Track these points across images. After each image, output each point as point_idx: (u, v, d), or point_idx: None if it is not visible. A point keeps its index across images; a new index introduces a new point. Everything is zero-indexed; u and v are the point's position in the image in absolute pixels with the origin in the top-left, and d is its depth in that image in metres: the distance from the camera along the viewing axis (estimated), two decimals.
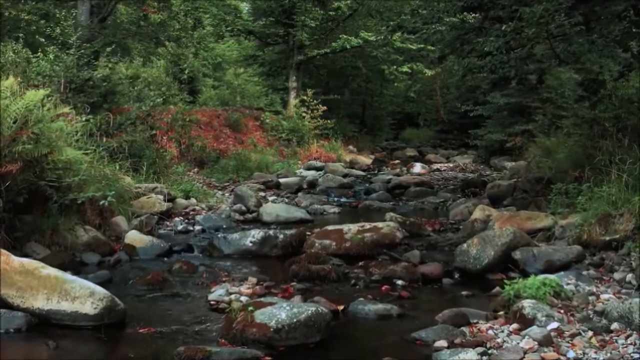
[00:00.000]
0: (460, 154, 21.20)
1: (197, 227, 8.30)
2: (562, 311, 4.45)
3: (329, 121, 18.92)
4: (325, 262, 6.18)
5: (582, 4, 8.40)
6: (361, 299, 5.09)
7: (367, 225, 7.10)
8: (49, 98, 7.66)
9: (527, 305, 4.35)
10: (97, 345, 4.26)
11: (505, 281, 4.84)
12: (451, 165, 17.98)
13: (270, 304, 4.29)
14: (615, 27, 8.89)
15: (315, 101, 18.95)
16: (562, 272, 5.56)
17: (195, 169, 13.38)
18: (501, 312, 4.59)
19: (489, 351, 3.92)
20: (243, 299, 5.04)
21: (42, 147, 6.29)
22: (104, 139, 9.42)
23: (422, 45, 19.06)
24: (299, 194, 11.72)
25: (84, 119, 8.80)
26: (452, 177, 15.09)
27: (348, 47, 19.05)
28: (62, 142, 7.07)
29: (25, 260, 4.80)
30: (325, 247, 6.78)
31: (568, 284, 5.12)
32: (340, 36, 19.22)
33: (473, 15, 10.44)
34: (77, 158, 7.14)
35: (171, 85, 17.46)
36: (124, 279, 5.85)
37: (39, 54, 10.59)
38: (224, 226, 8.40)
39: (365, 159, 18.74)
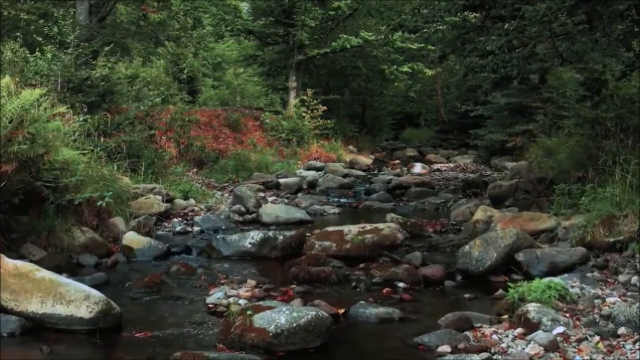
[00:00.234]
0: (461, 154, 21.14)
1: (196, 228, 8.21)
2: (567, 315, 4.36)
3: (329, 121, 18.84)
4: (325, 264, 6.09)
5: (584, 3, 8.32)
6: (362, 302, 5.00)
7: (368, 227, 7.01)
8: (46, 97, 7.59)
9: (532, 309, 4.25)
10: (92, 350, 4.16)
11: (509, 284, 4.74)
12: (452, 165, 17.92)
13: (269, 307, 4.20)
14: (618, 26, 8.82)
15: (315, 101, 18.88)
16: (566, 275, 5.47)
17: (194, 169, 13.30)
18: (505, 316, 4.49)
19: (494, 356, 3.83)
20: (242, 302, 4.96)
21: (38, 147, 6.19)
22: (102, 139, 9.34)
23: (422, 45, 18.99)
24: (299, 194, 11.64)
25: (81, 118, 8.72)
26: (453, 177, 15.02)
27: (348, 46, 18.97)
28: (58, 142, 6.97)
29: (19, 262, 4.70)
30: (325, 248, 6.70)
31: (573, 286, 5.02)
32: (340, 36, 19.14)
33: (474, 15, 10.35)
34: (74, 158, 7.03)
35: (170, 85, 17.38)
36: (121, 281, 5.77)
37: (37, 53, 10.50)
38: (223, 227, 8.32)
39: (366, 159, 18.67)
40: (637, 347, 3.85)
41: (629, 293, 5.02)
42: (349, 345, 4.28)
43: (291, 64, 20.49)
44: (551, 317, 4.19)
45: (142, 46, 18.73)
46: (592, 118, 8.42)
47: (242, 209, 9.29)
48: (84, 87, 10.10)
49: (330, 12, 19.64)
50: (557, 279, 4.89)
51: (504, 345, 3.98)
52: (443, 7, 10.14)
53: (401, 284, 5.65)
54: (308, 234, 7.16)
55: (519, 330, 4.16)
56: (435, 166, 17.53)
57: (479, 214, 8.09)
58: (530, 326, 4.14)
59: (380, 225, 7.10)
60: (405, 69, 21.15)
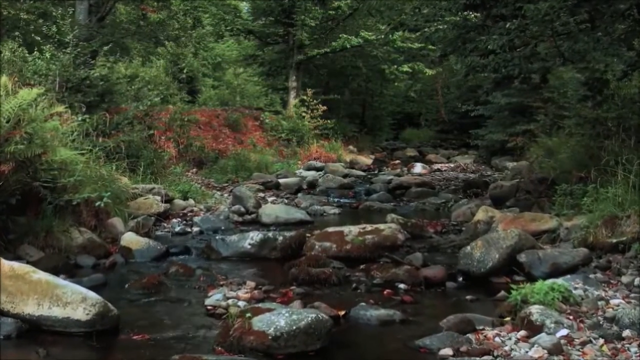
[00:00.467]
0: (461, 154, 21.10)
1: (195, 229, 8.15)
2: (571, 317, 4.29)
3: (329, 121, 18.79)
4: (325, 265, 6.03)
5: (586, 2, 8.27)
6: (363, 303, 4.94)
7: (368, 227, 6.95)
8: (44, 97, 7.54)
9: (535, 311, 4.19)
10: (88, 352, 4.10)
11: (512, 286, 4.68)
12: (452, 165, 17.89)
13: (269, 310, 4.14)
14: (620, 25, 8.77)
15: (315, 101, 18.83)
16: (568, 276, 5.41)
17: (194, 169, 13.25)
18: (508, 318, 4.43)
19: None
20: (241, 304, 4.90)
21: (35, 147, 6.14)
22: (101, 139, 9.29)
23: (422, 45, 18.94)
24: (299, 194, 11.59)
25: (80, 118, 8.67)
26: (453, 177, 14.97)
27: (348, 46, 18.92)
28: (56, 142, 6.92)
29: (15, 264, 4.64)
30: (325, 249, 6.64)
31: (576, 288, 4.97)
32: (341, 35, 19.08)
33: (475, 14, 10.30)
34: (72, 158, 6.98)
35: (170, 85, 17.33)
36: (119, 283, 5.70)
37: (36, 52, 10.45)
38: (223, 228, 8.26)
39: (366, 159, 18.62)
40: None
41: (632, 295, 4.96)
42: (349, 348, 4.22)
43: (291, 64, 20.44)
44: (554, 319, 4.13)
45: (142, 46, 18.67)
46: (593, 118, 8.38)
47: (242, 209, 9.23)
48: (83, 86, 10.05)
49: (330, 12, 19.58)
50: (560, 281, 4.84)
51: (506, 348, 3.92)
52: (444, 7, 10.08)
53: (402, 286, 5.59)
54: (308, 235, 7.10)
55: (522, 332, 4.09)
56: (436, 166, 17.48)
57: (480, 215, 8.03)
58: (534, 329, 4.08)
59: (381, 226, 7.04)
60: (405, 68, 21.09)
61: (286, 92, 21.19)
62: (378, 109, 25.61)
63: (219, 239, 7.00)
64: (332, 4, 19.40)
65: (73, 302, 4.30)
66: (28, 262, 5.68)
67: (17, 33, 11.57)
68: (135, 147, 9.95)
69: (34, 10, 15.76)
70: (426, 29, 12.59)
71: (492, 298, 5.20)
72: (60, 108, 7.38)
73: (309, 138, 18.04)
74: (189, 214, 8.95)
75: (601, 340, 3.95)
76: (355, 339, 4.39)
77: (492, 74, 11.25)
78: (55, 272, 5.47)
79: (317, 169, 15.10)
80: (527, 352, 3.81)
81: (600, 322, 4.28)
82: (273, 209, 9.28)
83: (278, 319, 3.96)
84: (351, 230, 6.87)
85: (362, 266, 6.19)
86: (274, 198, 11.02)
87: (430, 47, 18.51)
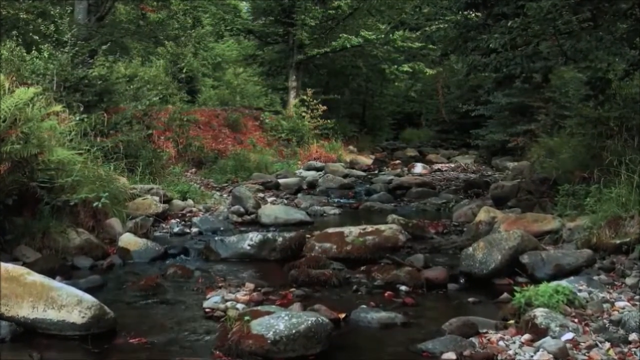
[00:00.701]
0: (462, 154, 21.05)
1: (194, 230, 8.08)
2: (576, 320, 4.21)
3: (329, 121, 18.72)
4: (325, 267, 5.96)
5: (588, 1, 8.19)
6: (363, 306, 4.86)
7: (369, 228, 6.88)
8: (42, 96, 7.47)
9: (539, 314, 4.10)
10: (84, 356, 4.01)
11: (516, 288, 4.59)
12: (452, 165, 17.82)
13: (268, 313, 4.06)
14: (622, 24, 8.69)
15: (315, 101, 18.76)
16: (572, 277, 5.34)
17: (193, 170, 13.18)
18: (511, 321, 4.34)
19: None
20: (239, 306, 4.81)
21: (31, 147, 6.06)
22: (99, 139, 9.21)
23: (423, 44, 18.87)
24: (299, 194, 11.51)
25: (77, 118, 8.59)
26: (454, 177, 14.90)
27: (348, 46, 18.86)
28: (53, 141, 6.85)
29: (10, 266, 4.56)
30: (325, 250, 6.57)
31: (580, 290, 4.89)
32: (341, 35, 19.03)
33: (476, 14, 10.22)
34: (70, 158, 6.90)
35: (170, 85, 17.25)
36: (117, 284, 5.64)
37: (34, 52, 10.37)
38: (222, 228, 8.18)
39: (366, 159, 18.55)
40: None
41: (637, 297, 4.88)
42: (350, 351, 4.14)
43: (291, 64, 20.38)
44: (559, 322, 4.04)
45: (142, 46, 18.61)
46: (595, 118, 8.31)
47: (241, 209, 9.16)
48: (81, 86, 9.96)
49: (331, 12, 19.51)
50: (564, 283, 4.76)
51: (511, 352, 3.83)
52: (445, 5, 10.00)
53: (403, 287, 5.51)
54: (308, 236, 7.03)
55: (527, 336, 4.01)
56: (436, 166, 17.41)
57: (482, 215, 7.95)
58: (538, 332, 4.00)
59: (382, 227, 6.97)
60: (405, 68, 21.04)
61: (286, 92, 21.13)
62: (378, 109, 25.55)
63: (218, 239, 6.92)
64: (332, 3, 19.33)
65: (68, 304, 4.22)
66: (24, 264, 5.64)
67: (14, 32, 11.48)
68: (133, 147, 9.88)
69: (33, 10, 15.69)
70: (427, 28, 12.50)
71: (495, 300, 5.12)
72: (58, 107, 7.30)
73: (308, 138, 17.98)
74: (187, 215, 8.87)
75: (607, 344, 3.87)
76: (356, 342, 4.31)
77: (493, 73, 11.15)
78: (52, 273, 5.42)
79: (317, 169, 15.03)
80: (532, 356, 3.73)
81: (606, 326, 4.20)
82: (273, 210, 9.20)
83: (277, 322, 3.88)
84: (351, 231, 6.80)
85: (362, 267, 6.10)
86: (274, 198, 10.94)
87: (430, 46, 18.45)
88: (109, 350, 4.09)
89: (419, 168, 16.16)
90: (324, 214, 9.74)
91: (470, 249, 5.92)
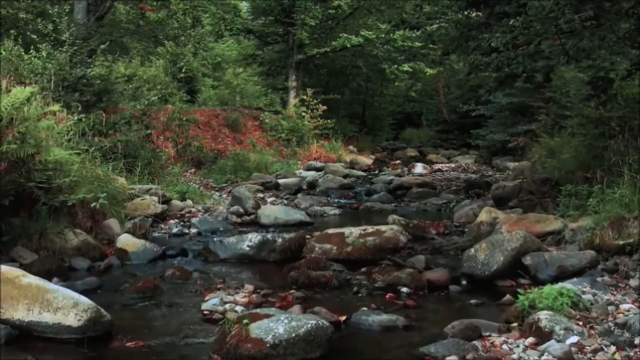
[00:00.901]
0: (462, 154, 21.00)
1: (193, 230, 8.00)
2: (581, 323, 4.14)
3: (329, 121, 18.67)
4: (325, 268, 5.89)
5: (590, 0, 8.13)
6: (364, 308, 4.79)
7: (370, 229, 6.80)
8: (40, 96, 7.40)
9: (543, 317, 4.03)
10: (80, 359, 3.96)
11: (519, 290, 4.52)
12: (453, 165, 17.76)
13: (267, 315, 3.99)
14: (625, 24, 8.63)
15: (315, 101, 18.70)
16: (575, 279, 5.27)
17: (192, 170, 13.11)
18: (515, 324, 4.27)
19: None
20: (238, 308, 4.75)
21: (28, 147, 6.01)
22: (97, 139, 9.14)
23: (423, 44, 18.80)
24: (299, 195, 11.44)
25: (76, 117, 8.52)
26: (455, 177, 14.83)
27: (348, 46, 18.81)
28: (51, 141, 6.79)
29: (5, 267, 4.49)
30: (325, 251, 6.50)
31: (584, 292, 4.82)
32: (341, 35, 18.98)
33: (477, 13, 10.16)
34: (67, 158, 6.84)
35: (169, 85, 17.19)
36: (114, 286, 5.55)
37: (32, 51, 10.31)
38: (221, 229, 8.11)
39: (366, 159, 18.49)
40: None
41: None
42: (350, 355, 4.07)
43: (291, 64, 20.32)
44: (564, 325, 3.97)
45: (141, 45, 18.55)
46: (596, 118, 8.24)
47: (241, 210, 9.09)
48: (79, 85, 9.91)
49: (331, 11, 19.46)
50: (568, 285, 4.69)
51: (515, 356, 3.76)
52: (446, 4, 9.92)
53: (404, 289, 5.44)
54: (308, 237, 6.96)
55: (530, 339, 3.93)
56: (437, 166, 17.35)
57: (483, 216, 7.88)
58: (542, 335, 3.92)
59: (382, 227, 6.89)
60: (406, 68, 20.99)
61: (286, 92, 21.08)
62: (378, 109, 25.50)
63: (217, 240, 6.85)
64: (332, 3, 19.29)
65: (64, 307, 4.16)
66: (21, 265, 5.59)
67: (12, 31, 11.41)
68: (132, 147, 9.82)
69: (32, 10, 15.62)
70: (427, 27, 12.42)
71: (498, 302, 5.05)
72: (55, 107, 7.23)
73: (308, 138, 17.92)
74: (186, 215, 8.80)
75: (613, 348, 3.79)
76: (357, 346, 4.23)
77: (494, 72, 11.09)
78: (49, 275, 5.37)
79: (317, 169, 14.96)
80: None
81: (612, 329, 4.12)
82: (272, 210, 9.13)
83: (276, 325, 3.81)
84: (352, 232, 6.73)
85: (363, 269, 6.03)
86: (274, 199, 10.87)
87: (431, 46, 18.36)
88: (105, 353, 4.03)
89: (419, 168, 16.10)
90: (324, 215, 9.67)
91: (472, 250, 5.85)
